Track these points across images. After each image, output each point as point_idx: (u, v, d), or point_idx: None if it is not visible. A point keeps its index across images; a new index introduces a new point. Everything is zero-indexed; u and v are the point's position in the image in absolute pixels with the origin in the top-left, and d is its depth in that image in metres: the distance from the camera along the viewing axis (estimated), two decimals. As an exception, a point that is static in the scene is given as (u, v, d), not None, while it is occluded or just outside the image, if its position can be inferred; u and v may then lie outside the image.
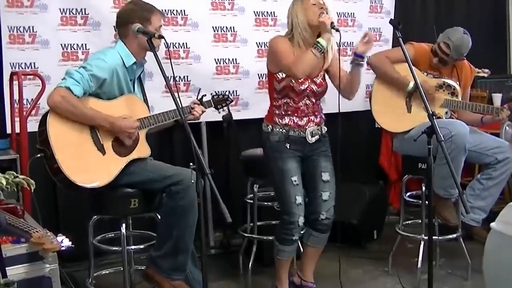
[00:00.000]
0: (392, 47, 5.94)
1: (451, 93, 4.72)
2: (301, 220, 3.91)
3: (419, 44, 4.81)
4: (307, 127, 3.98)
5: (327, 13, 3.86)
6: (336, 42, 3.90)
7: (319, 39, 3.79)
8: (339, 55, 3.98)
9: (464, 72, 4.87)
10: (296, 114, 3.96)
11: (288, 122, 3.96)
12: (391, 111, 4.74)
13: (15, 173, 2.76)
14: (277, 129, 3.96)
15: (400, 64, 4.63)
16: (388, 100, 4.75)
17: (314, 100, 4.01)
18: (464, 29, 4.73)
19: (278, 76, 3.93)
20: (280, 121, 3.96)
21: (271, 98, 4.06)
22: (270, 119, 4.01)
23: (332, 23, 3.79)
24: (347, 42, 5.91)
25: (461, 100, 4.73)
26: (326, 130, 4.10)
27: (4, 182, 2.68)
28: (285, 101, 3.95)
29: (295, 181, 3.91)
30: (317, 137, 4.02)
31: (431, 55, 4.75)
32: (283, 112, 3.97)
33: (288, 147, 3.94)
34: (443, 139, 3.41)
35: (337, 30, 3.80)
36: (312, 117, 4.01)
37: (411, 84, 4.59)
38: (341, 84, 3.99)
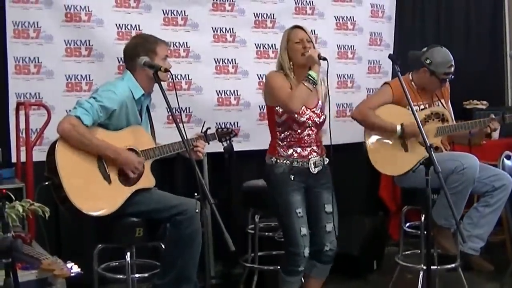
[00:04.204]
0: (392, 79, 6.00)
1: (441, 120, 4.76)
2: (306, 251, 3.93)
3: (395, 81, 4.82)
4: (310, 157, 4.03)
5: (313, 47, 3.98)
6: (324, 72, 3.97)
7: (310, 72, 3.88)
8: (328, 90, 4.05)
9: (441, 90, 4.93)
10: (299, 145, 4.01)
11: (292, 153, 4.00)
12: (389, 155, 4.72)
13: (31, 201, 2.81)
14: (281, 161, 4.00)
15: (384, 107, 4.70)
16: (383, 145, 4.73)
17: (315, 130, 4.07)
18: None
19: (279, 110, 3.98)
20: (284, 152, 4.00)
21: (272, 132, 4.10)
22: (274, 151, 4.04)
23: (319, 54, 3.89)
24: (347, 74, 5.99)
25: (452, 123, 4.78)
26: (328, 161, 4.15)
27: (20, 209, 2.73)
28: (288, 133, 4.00)
29: (299, 213, 3.94)
30: (320, 167, 4.06)
31: (411, 83, 4.81)
32: (287, 144, 4.01)
33: (292, 179, 3.98)
34: (440, 170, 3.42)
35: (324, 59, 3.89)
36: (314, 147, 4.05)
37: (398, 128, 4.63)
38: None
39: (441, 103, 4.85)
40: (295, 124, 3.98)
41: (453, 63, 4.72)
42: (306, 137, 4.02)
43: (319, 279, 4.16)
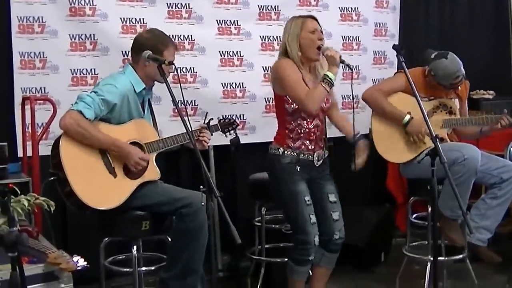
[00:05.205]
0: (397, 70, 5.98)
1: (448, 112, 4.74)
2: (316, 239, 3.92)
3: (410, 71, 4.81)
4: (315, 150, 4.04)
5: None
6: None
7: (328, 73, 3.86)
8: None
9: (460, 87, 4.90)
10: (308, 138, 4.02)
11: (300, 145, 4.00)
12: (394, 142, 4.71)
13: (36, 195, 2.81)
14: (289, 152, 3.99)
15: (394, 94, 4.69)
16: (389, 132, 4.73)
17: (322, 119, 4.08)
18: (450, 52, 4.72)
19: (289, 99, 3.96)
20: (293, 144, 4.00)
21: (281, 121, 4.08)
22: (282, 141, 4.03)
23: (340, 57, 3.89)
24: (353, 66, 5.94)
25: (460, 117, 4.75)
26: (327, 154, 4.18)
27: (26, 203, 2.73)
28: (298, 122, 3.99)
29: (308, 200, 3.95)
30: (322, 160, 4.09)
31: (426, 79, 4.78)
32: (296, 136, 4.01)
33: (298, 170, 3.98)
34: (445, 160, 3.42)
35: (348, 65, 3.94)
36: (319, 142, 4.08)
37: (406, 118, 4.62)
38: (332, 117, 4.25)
39: (456, 101, 4.82)
40: (305, 115, 3.98)
41: (459, 73, 4.64)
42: (314, 129, 4.02)
43: (328, 268, 4.15)
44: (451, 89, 4.74)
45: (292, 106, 3.96)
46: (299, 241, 3.97)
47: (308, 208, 3.95)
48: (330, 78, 3.85)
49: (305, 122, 3.99)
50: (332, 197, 4.09)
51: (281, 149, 4.01)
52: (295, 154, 4.00)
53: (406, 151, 4.67)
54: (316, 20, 4.06)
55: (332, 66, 3.89)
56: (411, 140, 4.60)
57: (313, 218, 3.94)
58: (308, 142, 4.02)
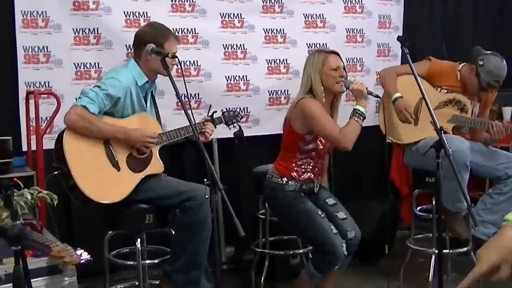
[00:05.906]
0: (401, 62, 5.99)
1: (460, 109, 4.73)
2: (344, 248, 3.87)
3: (438, 61, 4.82)
4: (315, 181, 4.11)
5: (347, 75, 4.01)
6: None
7: (358, 107, 3.87)
8: None
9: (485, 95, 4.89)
10: (313, 171, 4.07)
11: (306, 178, 4.05)
12: (398, 123, 4.75)
13: (39, 189, 2.82)
14: (292, 182, 4.03)
15: (409, 76, 4.69)
16: (394, 113, 4.76)
17: (324, 157, 4.20)
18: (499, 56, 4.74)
19: (307, 138, 3.98)
20: (297, 176, 4.04)
21: (288, 155, 4.08)
22: (286, 172, 4.04)
23: (367, 88, 3.90)
24: (356, 58, 5.97)
25: (469, 116, 4.74)
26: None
27: (29, 197, 2.74)
28: (305, 160, 4.04)
29: (321, 213, 3.96)
30: (319, 186, 4.16)
31: (459, 72, 4.77)
32: (302, 169, 4.04)
33: (302, 195, 4.03)
34: (451, 153, 3.42)
35: (377, 96, 3.99)
36: (322, 173, 4.19)
37: (395, 95, 4.64)
38: None
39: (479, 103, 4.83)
40: (315, 153, 4.03)
41: (500, 80, 4.66)
42: (319, 165, 4.10)
43: (338, 273, 4.12)
44: (481, 90, 4.71)
45: (307, 146, 4.00)
46: (327, 253, 3.88)
47: (325, 220, 3.94)
48: (361, 112, 3.86)
49: (313, 160, 4.05)
50: (331, 201, 4.13)
51: (285, 179, 4.04)
52: (298, 184, 4.04)
53: (406, 135, 4.75)
54: (339, 55, 4.05)
55: (360, 99, 3.90)
56: (424, 121, 4.60)
57: (334, 229, 3.92)
58: (313, 175, 4.08)
